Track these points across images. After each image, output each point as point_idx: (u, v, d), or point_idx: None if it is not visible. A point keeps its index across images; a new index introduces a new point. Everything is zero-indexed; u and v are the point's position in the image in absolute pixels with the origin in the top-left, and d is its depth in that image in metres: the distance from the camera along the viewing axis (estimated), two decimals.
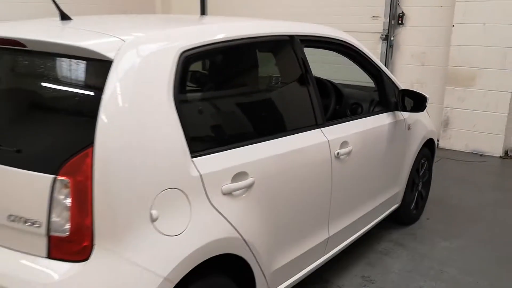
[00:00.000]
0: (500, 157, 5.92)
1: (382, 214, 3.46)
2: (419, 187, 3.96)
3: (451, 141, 6.24)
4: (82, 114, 1.79)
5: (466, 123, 6.08)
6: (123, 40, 1.81)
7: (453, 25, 5.99)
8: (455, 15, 5.96)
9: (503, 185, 5.14)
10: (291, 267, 2.51)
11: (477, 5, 5.78)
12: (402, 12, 6.60)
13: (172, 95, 1.87)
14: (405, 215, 3.87)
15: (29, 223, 1.74)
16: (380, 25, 6.76)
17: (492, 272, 3.30)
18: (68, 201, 1.68)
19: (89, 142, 1.67)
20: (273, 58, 2.70)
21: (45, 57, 1.91)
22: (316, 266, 2.76)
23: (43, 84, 1.96)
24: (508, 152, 6.02)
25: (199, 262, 1.89)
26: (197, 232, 1.89)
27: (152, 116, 1.82)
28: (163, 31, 2.09)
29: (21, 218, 1.75)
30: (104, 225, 1.70)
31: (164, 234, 1.80)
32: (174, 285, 1.80)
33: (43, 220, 1.71)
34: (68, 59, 1.85)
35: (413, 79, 6.56)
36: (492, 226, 4.05)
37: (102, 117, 1.68)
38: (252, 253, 2.15)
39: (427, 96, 3.29)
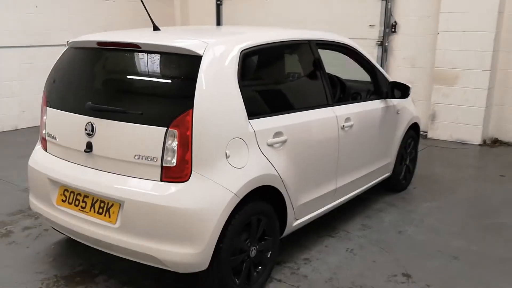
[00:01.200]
0: (479, 145, 6.92)
1: (377, 178, 4.45)
2: (407, 162, 4.96)
3: (438, 132, 7.24)
4: (184, 89, 2.77)
5: (450, 116, 7.08)
6: (206, 43, 2.82)
7: (438, 33, 7.01)
8: (439, 24, 6.98)
9: (478, 165, 6.16)
10: (310, 206, 3.50)
11: (457, 16, 6.79)
12: (395, 22, 7.63)
13: (236, 78, 2.88)
14: (395, 184, 4.87)
15: (149, 159, 2.73)
16: (376, 32, 7.80)
17: (462, 222, 4.30)
18: (175, 144, 2.68)
19: (190, 107, 2.66)
20: (297, 56, 3.73)
21: (154, 54, 2.93)
22: (328, 209, 3.75)
23: (155, 72, 2.97)
24: (486, 141, 7.02)
25: (253, 187, 2.88)
26: (252, 167, 2.90)
27: (225, 91, 2.83)
28: (228, 37, 3.11)
29: (143, 156, 2.75)
30: (197, 159, 2.69)
31: (233, 166, 2.80)
32: (239, 200, 2.79)
33: (159, 156, 2.70)
34: (170, 55, 2.88)
35: (405, 79, 7.48)
36: (465, 193, 5.05)
37: (197, 91, 2.69)
38: (285, 188, 3.14)
39: (410, 86, 4.32)
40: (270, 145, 3.04)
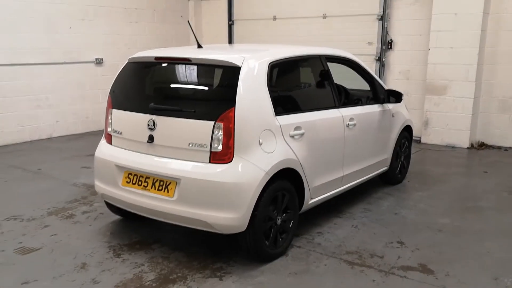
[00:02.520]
0: (467, 148, 7.77)
1: (376, 171, 5.29)
2: (402, 159, 5.80)
3: (430, 137, 8.09)
4: (228, 92, 3.61)
5: (441, 123, 7.94)
6: (243, 57, 3.68)
7: (429, 49, 7.91)
8: (430, 41, 7.88)
9: (465, 164, 7.00)
10: (322, 188, 4.33)
11: (446, 34, 7.69)
12: (391, 39, 8.54)
13: (266, 84, 3.73)
14: (392, 177, 5.70)
15: (200, 146, 3.57)
16: (374, 49, 8.71)
17: (448, 206, 5.12)
18: (221, 134, 3.52)
19: (232, 105, 3.50)
20: (311, 68, 4.59)
21: (202, 66, 3.80)
22: (336, 192, 4.57)
23: (204, 79, 3.84)
24: (474, 144, 7.87)
25: (279, 169, 3.71)
26: (279, 152, 3.73)
27: (258, 94, 3.68)
28: (259, 53, 3.96)
29: (196, 144, 3.59)
30: (238, 146, 3.52)
31: (265, 151, 3.63)
32: (269, 177, 3.61)
33: (208, 143, 3.54)
34: (215, 67, 3.75)
35: (401, 90, 8.42)
36: (453, 185, 5.88)
37: (237, 94, 3.53)
38: (303, 171, 3.97)
39: (402, 92, 5.19)
40: (292, 136, 3.88)
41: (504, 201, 5.28)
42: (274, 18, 9.78)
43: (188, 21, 4.47)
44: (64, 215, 4.79)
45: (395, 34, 8.55)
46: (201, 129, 3.57)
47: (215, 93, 3.82)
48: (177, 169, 3.65)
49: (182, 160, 3.67)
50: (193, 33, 4.35)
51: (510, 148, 7.74)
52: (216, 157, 3.55)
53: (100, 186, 4.18)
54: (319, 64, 4.48)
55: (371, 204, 5.12)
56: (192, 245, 4.09)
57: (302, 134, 3.97)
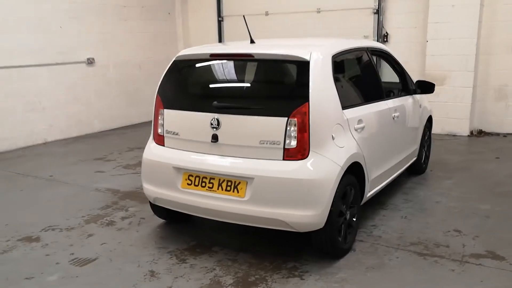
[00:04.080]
0: (468, 135, 8.01)
1: (410, 161, 5.35)
2: (425, 149, 5.90)
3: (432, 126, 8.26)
4: (299, 87, 3.54)
5: (441, 112, 8.12)
6: (310, 51, 3.61)
7: (427, 41, 8.08)
8: (428, 33, 8.05)
9: (475, 151, 7.20)
10: (377, 180, 4.32)
11: (443, 26, 7.87)
12: (386, 32, 8.67)
13: (332, 77, 3.68)
14: (418, 167, 5.78)
15: (273, 143, 3.47)
16: None
17: (479, 193, 5.24)
18: (294, 130, 3.43)
19: (306, 100, 3.43)
20: (362, 60, 4.56)
21: (266, 62, 3.70)
22: (385, 184, 4.59)
23: (271, 75, 3.75)
24: (473, 132, 8.12)
25: (350, 163, 3.68)
26: (349, 147, 3.70)
27: (326, 87, 3.62)
28: (319, 46, 3.88)
29: (268, 141, 3.48)
30: (313, 141, 3.45)
31: (338, 146, 3.59)
32: (343, 172, 3.57)
33: (282, 140, 3.45)
34: (281, 62, 3.66)
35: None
36: (474, 172, 6.03)
37: (311, 88, 3.46)
38: (365, 164, 3.96)
39: (434, 83, 5.26)
40: (356, 130, 3.85)
41: None
42: (267, 14, 9.71)
43: (243, 16, 4.34)
44: (103, 222, 4.56)
45: (390, 27, 8.68)
46: (273, 126, 3.48)
47: (285, 89, 3.73)
48: (248, 168, 3.53)
49: (252, 158, 3.56)
50: (248, 28, 4.21)
51: (508, 134, 8.03)
52: (290, 154, 3.47)
53: (153, 189, 4.00)
54: (366, 56, 4.48)
55: (408, 195, 5.17)
56: (253, 245, 3.99)
57: (363, 128, 3.95)
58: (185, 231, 4.30)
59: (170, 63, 4.10)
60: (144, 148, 4.12)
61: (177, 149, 3.90)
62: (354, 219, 3.94)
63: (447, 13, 7.82)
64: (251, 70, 3.80)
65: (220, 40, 10.26)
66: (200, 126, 3.73)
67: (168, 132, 3.94)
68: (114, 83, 9.21)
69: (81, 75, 8.56)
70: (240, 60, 3.83)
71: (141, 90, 9.62)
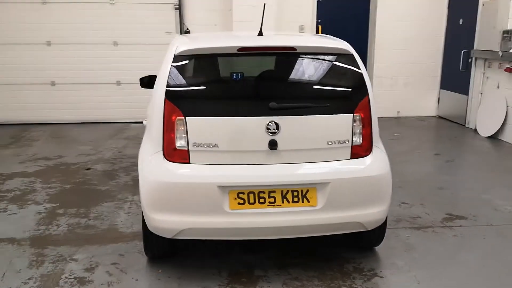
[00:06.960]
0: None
1: None
2: None
3: None
4: (355, 80, 3.35)
5: None
6: (345, 43, 3.48)
7: None
8: (234, 30, 8.38)
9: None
10: None
11: (246, 24, 8.35)
12: (188, 29, 8.57)
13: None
14: None
15: (342, 142, 3.24)
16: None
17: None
18: (359, 126, 3.29)
19: (366, 93, 3.33)
20: None
21: (309, 55, 3.36)
22: None
23: (320, 70, 3.37)
24: None
25: None
26: None
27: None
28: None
29: (336, 141, 3.23)
30: (375, 135, 3.38)
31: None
32: None
33: (350, 138, 3.26)
34: (326, 55, 3.40)
35: None
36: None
37: (366, 80, 3.36)
38: None
39: None
40: None
41: None
42: (44, 3, 8.11)
43: (264, 5, 3.66)
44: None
45: (190, 23, 8.62)
46: (340, 124, 3.25)
47: (341, 83, 3.44)
48: (321, 173, 3.20)
49: (318, 162, 3.23)
50: (262, 18, 3.58)
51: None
52: (356, 152, 3.32)
53: (180, 220, 3.09)
54: None
55: None
56: (290, 258, 3.62)
57: None
58: (191, 262, 3.49)
59: (175, 61, 3.20)
60: None
61: (213, 164, 3.13)
62: None
63: (248, 14, 8.27)
64: (305, 65, 3.37)
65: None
66: (252, 132, 3.12)
67: (197, 145, 3.10)
68: None
69: None
70: (276, 55, 3.34)
71: None
